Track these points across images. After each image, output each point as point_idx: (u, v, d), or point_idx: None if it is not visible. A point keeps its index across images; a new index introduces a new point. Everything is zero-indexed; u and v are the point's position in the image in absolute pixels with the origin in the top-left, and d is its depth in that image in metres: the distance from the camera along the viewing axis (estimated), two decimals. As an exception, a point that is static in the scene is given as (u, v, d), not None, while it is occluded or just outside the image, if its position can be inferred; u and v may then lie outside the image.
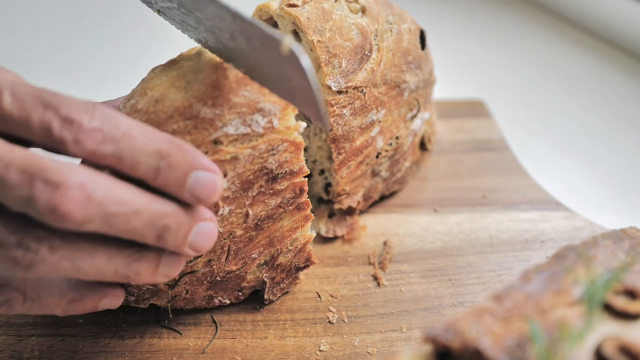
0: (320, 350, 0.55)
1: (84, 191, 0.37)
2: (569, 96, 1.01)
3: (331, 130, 0.41)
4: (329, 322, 0.58)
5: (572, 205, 0.75)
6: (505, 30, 1.23)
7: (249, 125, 0.48)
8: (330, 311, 0.59)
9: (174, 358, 0.54)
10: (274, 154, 0.50)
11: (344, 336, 0.57)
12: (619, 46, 1.13)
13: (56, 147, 0.39)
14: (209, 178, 0.42)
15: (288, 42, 0.38)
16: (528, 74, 1.08)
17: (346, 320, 0.58)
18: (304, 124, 0.51)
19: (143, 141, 0.40)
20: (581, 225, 0.70)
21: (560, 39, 1.18)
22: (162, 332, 0.57)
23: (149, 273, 0.43)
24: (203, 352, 0.55)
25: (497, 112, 0.94)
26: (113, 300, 0.51)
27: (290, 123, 0.50)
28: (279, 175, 0.52)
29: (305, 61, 0.38)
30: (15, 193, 0.36)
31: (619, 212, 0.76)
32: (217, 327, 0.57)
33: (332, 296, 0.61)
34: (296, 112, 0.50)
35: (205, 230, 0.43)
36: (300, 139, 0.51)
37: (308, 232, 0.58)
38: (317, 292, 0.62)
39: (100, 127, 0.39)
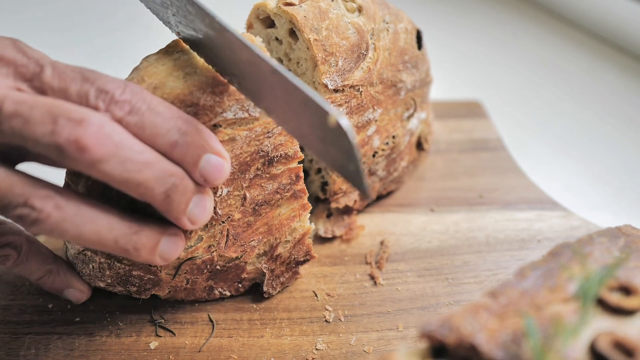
0: (316, 349, 0.55)
1: (103, 130, 0.40)
2: (566, 96, 1.01)
3: (371, 198, 0.41)
4: (326, 320, 0.58)
5: (569, 204, 0.75)
6: (502, 30, 1.23)
7: (247, 111, 0.50)
8: (327, 310, 0.59)
9: (171, 357, 0.54)
10: (269, 137, 0.52)
11: (341, 335, 0.57)
12: (615, 45, 1.13)
13: None
14: (219, 162, 0.45)
15: (335, 115, 0.38)
16: (525, 74, 1.08)
17: (343, 319, 0.58)
18: None
19: (165, 117, 0.43)
20: (577, 224, 0.70)
21: (557, 38, 1.18)
22: (159, 330, 0.57)
23: (147, 250, 0.45)
24: (199, 351, 0.55)
25: (494, 112, 0.94)
26: (76, 294, 0.56)
27: None
28: (275, 159, 0.53)
29: (353, 137, 0.38)
30: (38, 129, 0.39)
31: (615, 211, 0.77)
32: (213, 325, 0.57)
33: (328, 295, 0.61)
34: None
35: (203, 202, 0.46)
36: None
37: (307, 223, 0.58)
38: (313, 291, 0.62)
39: (129, 100, 0.42)
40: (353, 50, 0.60)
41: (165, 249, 0.46)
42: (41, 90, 0.42)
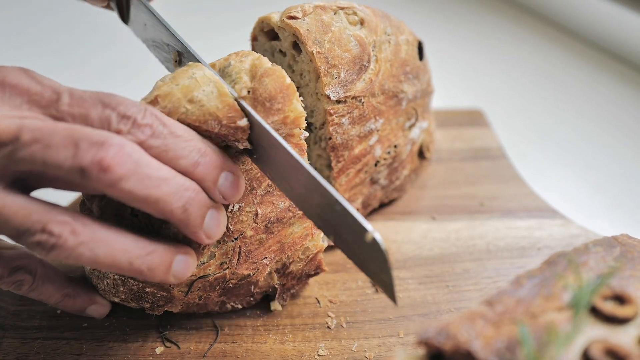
0: (319, 355, 0.56)
1: (124, 150, 0.41)
2: (566, 105, 1.02)
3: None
4: (328, 327, 0.59)
5: (568, 213, 0.76)
6: (503, 40, 1.24)
7: None
8: (329, 316, 0.60)
9: (176, 361, 0.55)
10: None
11: (342, 341, 0.58)
12: (613, 55, 1.14)
13: None
14: (235, 179, 0.48)
15: (372, 232, 0.43)
16: (525, 83, 1.09)
17: (344, 326, 0.59)
18: (305, 133, 0.53)
19: (185, 139, 0.45)
20: (577, 232, 0.71)
21: (557, 48, 1.19)
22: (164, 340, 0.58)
23: (161, 270, 0.46)
24: (204, 356, 0.56)
25: (495, 121, 0.95)
26: (99, 309, 0.57)
27: (295, 132, 0.52)
28: None
29: (386, 253, 0.43)
30: (60, 153, 0.40)
31: (613, 220, 0.77)
32: (217, 331, 0.59)
33: (331, 302, 0.62)
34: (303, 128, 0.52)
35: (217, 216, 0.48)
36: (303, 142, 0.53)
37: (320, 241, 0.59)
38: (316, 298, 0.63)
39: (151, 124, 0.44)
40: (355, 62, 0.61)
41: (178, 268, 0.47)
42: (58, 117, 0.43)
